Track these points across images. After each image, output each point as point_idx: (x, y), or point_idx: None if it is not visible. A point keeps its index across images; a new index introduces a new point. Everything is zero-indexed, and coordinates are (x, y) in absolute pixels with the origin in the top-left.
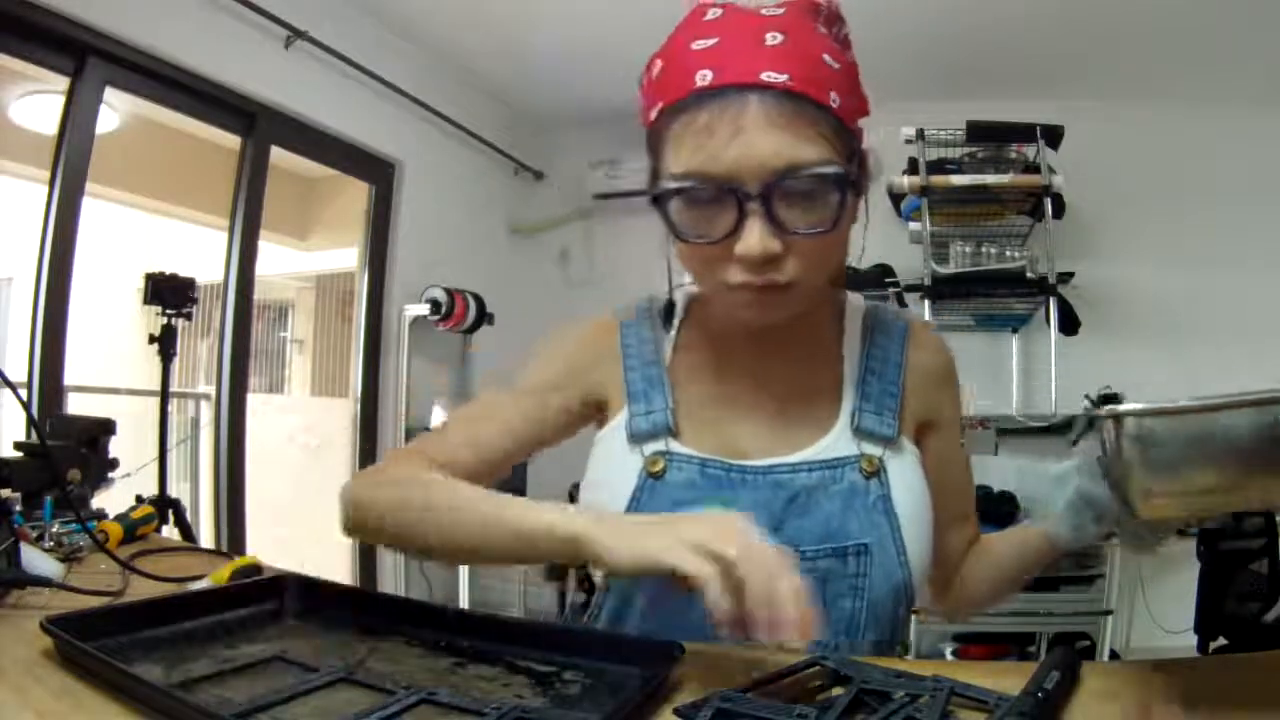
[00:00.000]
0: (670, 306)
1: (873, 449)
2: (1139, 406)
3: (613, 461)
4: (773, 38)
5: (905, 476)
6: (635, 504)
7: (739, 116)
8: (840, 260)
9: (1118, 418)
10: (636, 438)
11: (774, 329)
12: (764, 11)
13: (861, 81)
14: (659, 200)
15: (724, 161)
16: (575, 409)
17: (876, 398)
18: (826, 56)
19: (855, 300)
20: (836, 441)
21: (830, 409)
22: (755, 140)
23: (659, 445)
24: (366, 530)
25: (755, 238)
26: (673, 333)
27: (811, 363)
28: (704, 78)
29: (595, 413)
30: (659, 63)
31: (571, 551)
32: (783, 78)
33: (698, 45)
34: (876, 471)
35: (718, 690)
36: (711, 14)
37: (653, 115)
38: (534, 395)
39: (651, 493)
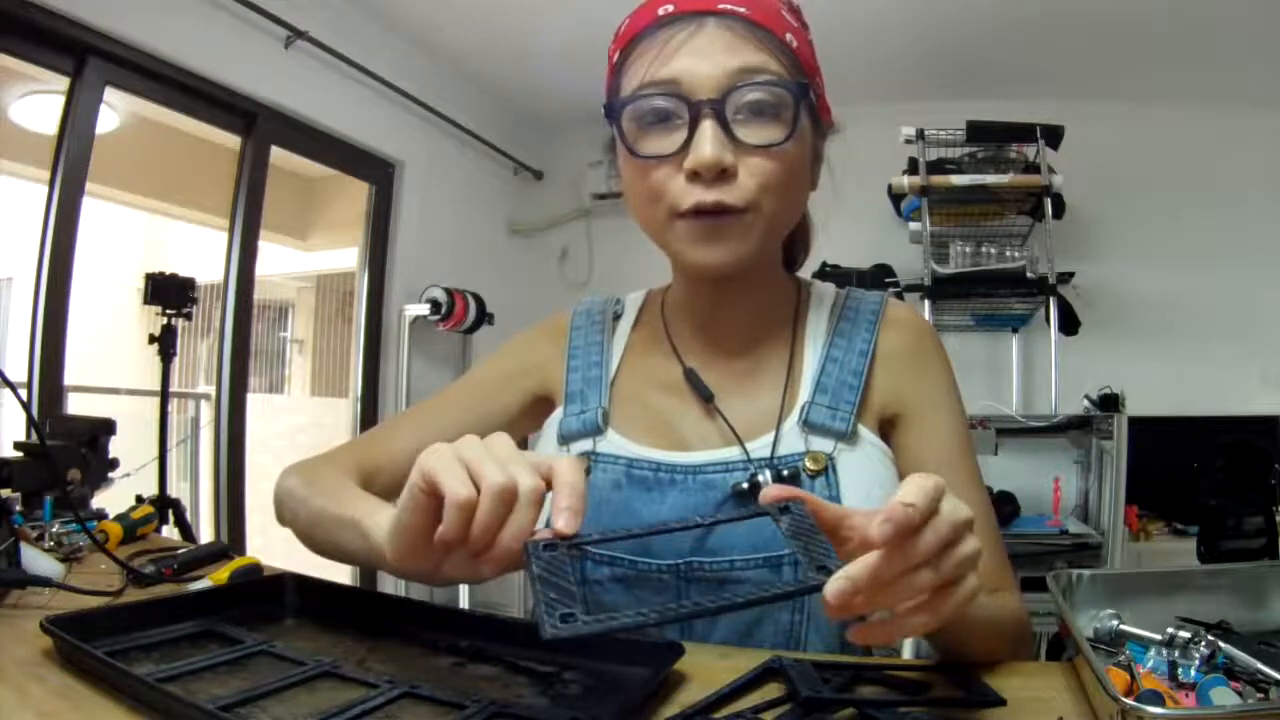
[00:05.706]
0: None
1: (822, 445)
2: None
3: None
4: None
5: (860, 475)
6: None
7: (695, 34)
8: (794, 210)
9: None
10: (565, 438)
11: (728, 301)
12: None
13: (818, 54)
14: (612, 115)
15: (678, 70)
16: (527, 404)
17: (834, 389)
18: (785, 13)
19: (824, 288)
20: (784, 437)
21: (783, 401)
22: (710, 51)
23: (586, 445)
24: (287, 524)
25: (708, 144)
26: (625, 329)
27: (766, 352)
28: (666, 10)
29: (544, 410)
30: (626, 20)
31: (376, 558)
32: (741, 9)
33: None
34: (824, 470)
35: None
36: None
37: (615, 56)
38: (485, 388)
39: None
